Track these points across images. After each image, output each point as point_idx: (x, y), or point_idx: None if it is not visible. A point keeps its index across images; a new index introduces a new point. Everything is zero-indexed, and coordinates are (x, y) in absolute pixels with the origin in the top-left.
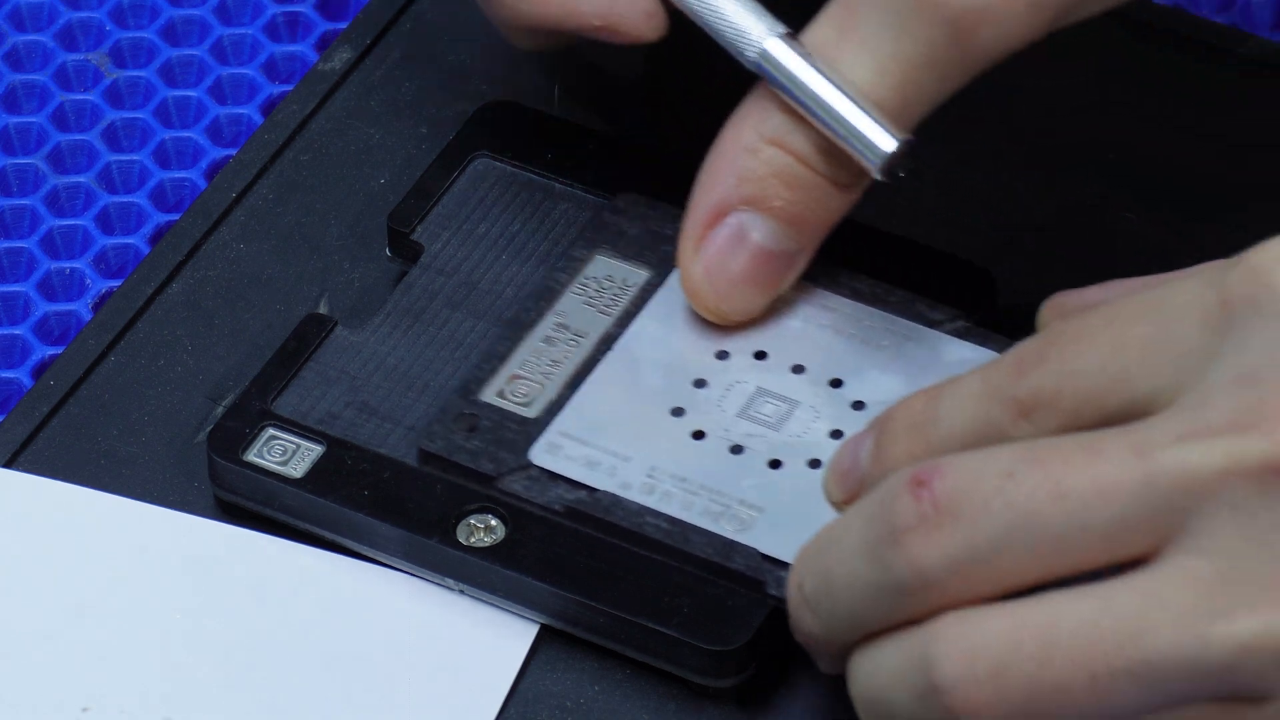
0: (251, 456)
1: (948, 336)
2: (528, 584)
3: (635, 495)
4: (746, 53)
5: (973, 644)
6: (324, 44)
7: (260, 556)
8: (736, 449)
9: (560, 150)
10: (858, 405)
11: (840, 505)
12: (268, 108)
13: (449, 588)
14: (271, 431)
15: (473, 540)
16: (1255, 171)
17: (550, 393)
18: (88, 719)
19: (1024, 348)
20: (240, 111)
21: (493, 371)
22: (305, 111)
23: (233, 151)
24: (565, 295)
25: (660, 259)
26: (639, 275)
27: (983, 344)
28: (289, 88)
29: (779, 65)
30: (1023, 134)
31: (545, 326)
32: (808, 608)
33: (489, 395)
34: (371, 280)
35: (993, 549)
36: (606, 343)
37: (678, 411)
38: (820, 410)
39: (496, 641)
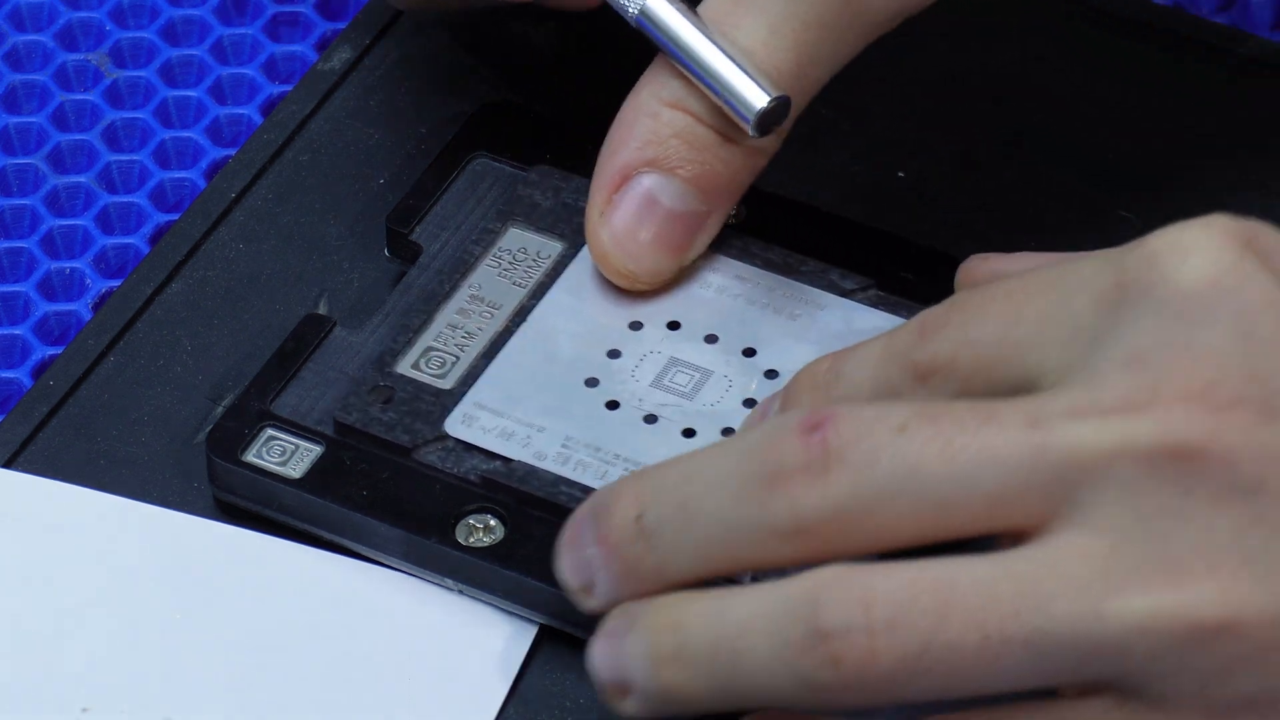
0: (250, 457)
1: (860, 305)
2: (527, 584)
3: (550, 465)
4: (629, 9)
5: (868, 592)
6: (324, 44)
7: (260, 557)
8: (650, 418)
9: (558, 150)
10: (771, 374)
11: None
12: (268, 108)
13: (448, 588)
14: (270, 432)
15: (472, 540)
16: (1255, 171)
17: (465, 364)
18: (88, 719)
19: (928, 314)
20: (240, 111)
21: (408, 344)
22: (305, 112)
23: (233, 151)
24: (479, 268)
25: (573, 230)
26: (553, 247)
27: (894, 312)
28: (289, 88)
29: (660, 23)
30: (1021, 134)
31: (460, 299)
32: (643, 538)
33: (404, 368)
34: (371, 280)
35: (876, 500)
36: (521, 314)
37: (592, 382)
38: (733, 379)
39: (496, 641)
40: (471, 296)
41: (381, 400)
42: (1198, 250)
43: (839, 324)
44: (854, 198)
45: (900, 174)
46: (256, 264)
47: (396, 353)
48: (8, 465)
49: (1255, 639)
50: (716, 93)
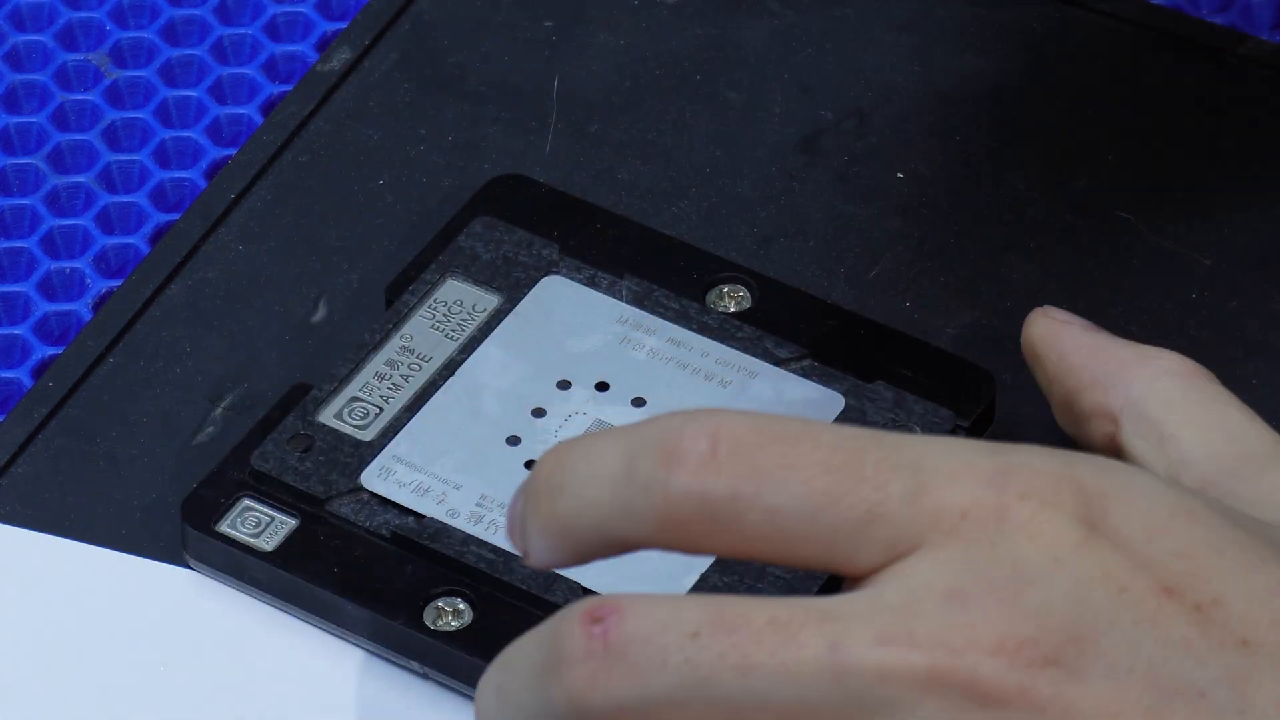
0: (224, 527)
1: (792, 375)
2: None
3: (462, 523)
4: None
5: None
6: (324, 44)
7: (235, 619)
8: None
9: (565, 226)
10: None
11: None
12: (268, 108)
13: (414, 671)
14: (247, 502)
15: (439, 624)
16: (1255, 172)
17: (388, 416)
18: None
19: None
20: (240, 111)
21: (333, 393)
22: (304, 112)
23: (233, 151)
24: (414, 318)
25: (511, 285)
26: (489, 301)
27: (827, 384)
28: (289, 88)
29: None
30: (1021, 134)
31: (390, 349)
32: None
33: (327, 417)
34: (369, 282)
35: (663, 703)
36: (449, 368)
37: (513, 440)
38: None
39: None
40: (402, 347)
41: (300, 449)
42: (1046, 531)
43: (769, 393)
44: (854, 198)
45: (899, 174)
46: (256, 265)
47: (320, 401)
48: (8, 466)
49: None
50: None
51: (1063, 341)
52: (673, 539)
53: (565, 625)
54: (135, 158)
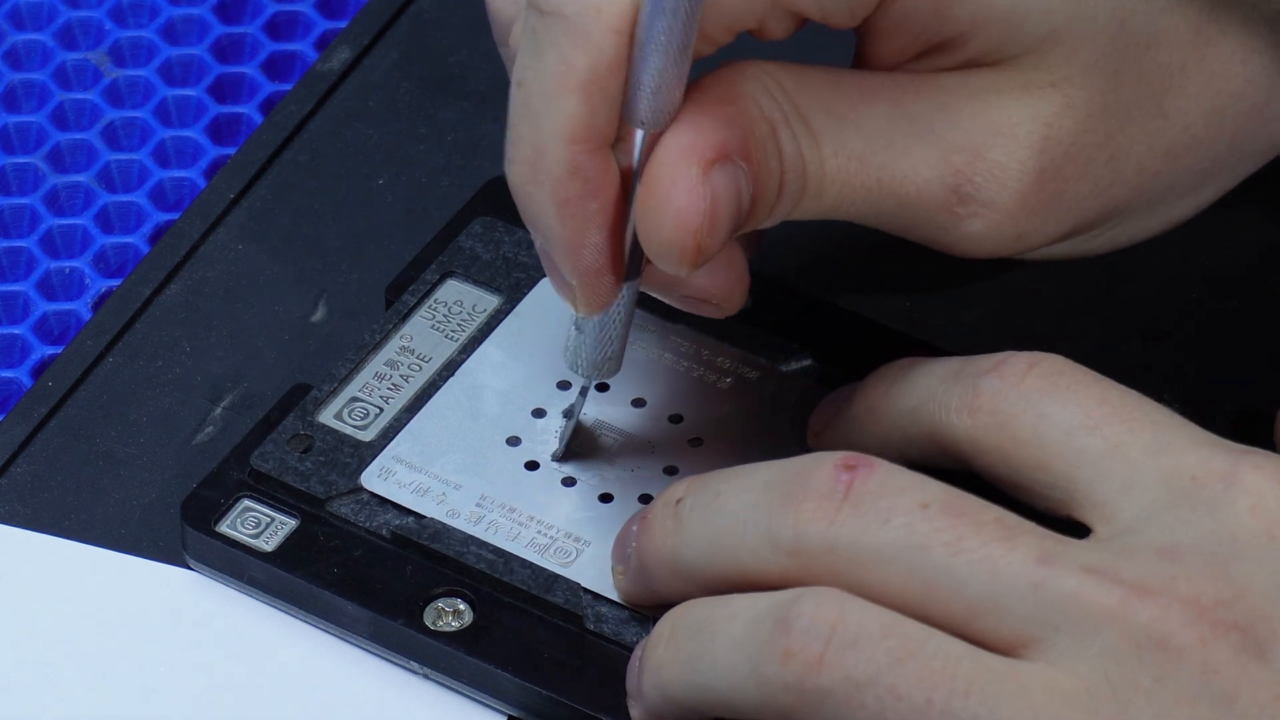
0: (224, 528)
1: (792, 375)
2: (493, 673)
3: (462, 524)
4: None
5: (843, 612)
6: (323, 43)
7: (235, 617)
8: (569, 481)
9: None
10: (695, 441)
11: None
12: (267, 107)
13: (414, 671)
14: (247, 503)
15: (439, 624)
16: (1255, 172)
17: (388, 417)
18: None
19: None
20: (240, 111)
21: (333, 393)
22: (304, 112)
23: (232, 151)
24: (414, 318)
25: (511, 285)
26: (489, 301)
27: (827, 384)
28: (288, 87)
29: None
30: None
31: (390, 349)
32: (675, 518)
33: (327, 417)
34: (369, 282)
35: (871, 555)
36: (449, 368)
37: (513, 441)
38: (656, 445)
39: None
40: (402, 348)
41: (300, 449)
42: (1270, 505)
43: (770, 395)
44: None
45: None
46: (256, 264)
47: (320, 401)
48: (8, 466)
49: None
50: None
51: None
52: None
53: (820, 464)
54: (135, 157)
